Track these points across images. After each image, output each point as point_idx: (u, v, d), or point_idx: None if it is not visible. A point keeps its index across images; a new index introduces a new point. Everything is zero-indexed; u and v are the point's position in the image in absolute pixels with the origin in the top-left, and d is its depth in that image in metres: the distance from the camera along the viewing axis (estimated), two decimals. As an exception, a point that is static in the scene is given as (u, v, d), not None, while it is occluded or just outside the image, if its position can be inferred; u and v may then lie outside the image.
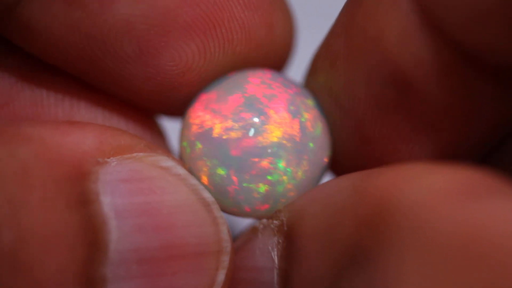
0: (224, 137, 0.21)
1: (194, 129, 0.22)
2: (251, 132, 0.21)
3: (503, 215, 0.15)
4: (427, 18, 0.19)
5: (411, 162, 0.21)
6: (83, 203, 0.18)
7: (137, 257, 0.19)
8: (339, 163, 0.23)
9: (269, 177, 0.21)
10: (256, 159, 0.21)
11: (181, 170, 0.20)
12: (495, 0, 0.18)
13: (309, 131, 0.22)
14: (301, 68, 0.25)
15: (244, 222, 0.27)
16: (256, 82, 0.22)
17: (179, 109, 0.23)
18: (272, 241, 0.21)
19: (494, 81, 0.20)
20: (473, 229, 0.15)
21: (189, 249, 0.19)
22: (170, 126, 0.26)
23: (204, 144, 0.21)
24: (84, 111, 0.23)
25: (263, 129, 0.21)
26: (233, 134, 0.21)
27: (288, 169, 0.21)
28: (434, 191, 0.16)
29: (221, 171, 0.21)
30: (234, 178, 0.21)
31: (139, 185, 0.19)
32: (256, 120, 0.21)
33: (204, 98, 0.22)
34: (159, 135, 0.25)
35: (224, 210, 0.21)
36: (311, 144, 0.22)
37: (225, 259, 0.20)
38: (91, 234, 0.18)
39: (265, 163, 0.21)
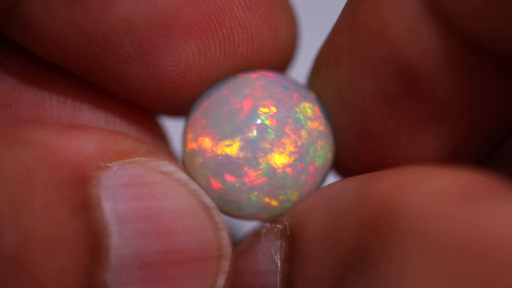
0: (225, 154, 0.21)
1: (195, 138, 0.22)
2: (251, 147, 0.21)
3: (504, 217, 0.15)
4: (434, 8, 0.19)
5: (415, 161, 0.21)
6: (85, 208, 0.18)
7: (138, 262, 0.19)
8: (344, 163, 0.23)
9: (271, 185, 0.21)
10: (257, 167, 0.21)
11: (182, 175, 0.20)
12: None
13: (313, 137, 0.22)
14: (304, 68, 0.25)
15: (246, 227, 0.27)
16: (257, 90, 0.22)
17: (181, 110, 0.23)
18: (275, 245, 0.21)
19: (502, 73, 0.20)
20: (475, 231, 0.15)
21: (190, 254, 0.20)
22: (172, 126, 0.26)
23: (202, 161, 0.21)
24: (86, 113, 0.23)
25: (264, 154, 0.21)
26: (233, 151, 0.21)
27: (288, 177, 0.21)
28: (436, 194, 0.16)
29: (223, 178, 0.21)
30: (236, 186, 0.21)
31: (141, 190, 0.19)
32: (256, 138, 0.21)
33: (204, 107, 0.22)
34: (161, 137, 0.25)
35: (225, 213, 0.22)
36: (311, 152, 0.22)
37: (226, 264, 0.20)
38: (92, 239, 0.18)
39: (266, 171, 0.21)
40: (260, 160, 0.21)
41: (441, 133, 0.21)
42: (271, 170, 0.21)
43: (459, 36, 0.19)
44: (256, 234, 0.22)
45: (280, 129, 0.21)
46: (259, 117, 0.21)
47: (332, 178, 0.23)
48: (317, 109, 0.22)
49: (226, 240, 0.20)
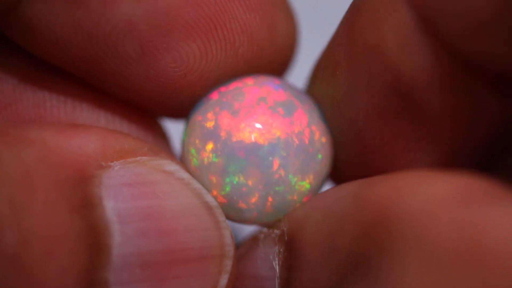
0: (233, 144, 0.21)
1: (202, 135, 0.22)
2: (259, 139, 0.21)
3: (503, 221, 0.15)
4: (427, 26, 0.19)
5: (412, 169, 0.21)
6: (86, 207, 0.18)
7: (140, 261, 0.19)
8: (340, 172, 0.23)
9: (274, 187, 0.21)
10: (263, 168, 0.21)
11: (184, 174, 0.20)
12: (495, 9, 0.18)
13: (317, 142, 0.22)
14: (303, 70, 0.25)
15: (246, 229, 0.27)
16: (266, 90, 0.22)
17: (182, 111, 0.23)
18: (273, 251, 0.21)
19: (495, 89, 0.20)
20: (473, 235, 0.15)
21: (192, 253, 0.19)
22: (173, 128, 0.26)
23: (212, 151, 0.21)
24: (87, 113, 0.23)
25: (272, 137, 0.21)
26: (243, 141, 0.21)
27: (293, 180, 0.21)
28: (434, 199, 0.16)
29: (229, 179, 0.21)
30: (241, 188, 0.21)
31: (142, 189, 0.19)
32: (265, 127, 0.21)
33: (212, 102, 0.22)
34: (162, 137, 0.25)
35: (226, 217, 0.21)
36: (319, 156, 0.22)
37: (228, 263, 0.20)
38: (94, 238, 0.18)
39: (272, 173, 0.21)
40: (264, 167, 0.21)
41: (435, 148, 0.21)
42: (273, 174, 0.21)
43: (452, 54, 0.19)
44: (254, 239, 0.22)
45: (287, 139, 0.21)
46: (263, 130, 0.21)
47: (329, 186, 0.23)
48: (319, 121, 0.22)
49: (228, 240, 0.20)
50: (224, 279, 0.20)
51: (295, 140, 0.21)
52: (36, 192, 0.17)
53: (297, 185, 0.21)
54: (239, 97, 0.22)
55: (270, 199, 0.21)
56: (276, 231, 0.21)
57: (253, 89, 0.22)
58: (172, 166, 0.20)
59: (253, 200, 0.21)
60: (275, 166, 0.21)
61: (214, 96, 0.22)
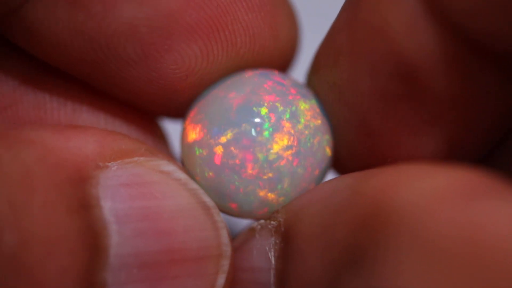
0: (223, 152, 0.21)
1: (191, 139, 0.22)
2: (249, 147, 0.21)
3: (501, 217, 0.15)
4: (432, 6, 0.19)
5: (414, 159, 0.21)
6: (84, 208, 0.18)
7: (137, 262, 0.19)
8: (343, 161, 0.23)
9: (268, 188, 0.21)
10: (253, 173, 0.21)
11: (181, 175, 0.20)
12: None
13: (310, 136, 0.22)
14: (304, 69, 0.25)
15: (243, 223, 0.27)
16: (256, 86, 0.22)
17: (182, 112, 0.23)
18: (269, 242, 0.21)
19: (500, 72, 0.20)
20: (471, 230, 0.15)
21: (189, 253, 0.19)
22: (172, 128, 0.26)
23: (204, 148, 0.21)
24: (86, 115, 0.23)
25: (264, 143, 0.21)
26: (233, 149, 0.21)
27: (288, 189, 0.21)
28: (431, 192, 0.16)
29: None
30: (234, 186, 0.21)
31: (140, 189, 0.19)
32: (254, 132, 0.21)
33: (202, 103, 0.22)
34: (161, 138, 0.25)
35: (222, 210, 0.22)
36: (307, 146, 0.22)
37: (225, 263, 0.20)
38: (92, 239, 0.18)
39: (266, 192, 0.21)
40: (257, 154, 0.21)
41: (439, 133, 0.21)
42: (268, 166, 0.21)
43: (458, 35, 0.19)
44: (250, 230, 0.22)
45: (277, 125, 0.21)
46: (257, 113, 0.21)
47: (331, 176, 0.23)
48: (316, 107, 0.22)
49: (225, 239, 0.20)
50: (221, 279, 0.20)
51: (290, 132, 0.21)
52: (35, 192, 0.18)
53: (292, 177, 0.21)
54: (237, 88, 0.22)
55: (264, 191, 0.21)
56: (273, 223, 0.21)
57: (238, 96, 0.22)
58: (169, 167, 0.20)
59: (247, 191, 0.21)
60: (269, 158, 0.21)
61: (212, 92, 0.22)
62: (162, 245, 0.19)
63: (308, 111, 0.22)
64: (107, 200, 0.19)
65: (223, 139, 0.21)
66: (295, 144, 0.21)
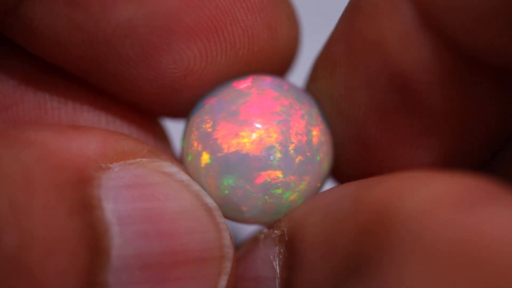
0: (229, 147, 0.21)
1: (200, 138, 0.22)
2: (256, 142, 0.21)
3: (503, 223, 0.15)
4: (428, 20, 0.19)
5: (411, 169, 0.21)
6: (86, 209, 0.18)
7: (139, 263, 0.19)
8: (341, 170, 0.23)
9: (272, 190, 0.21)
10: (260, 171, 0.21)
11: (184, 176, 0.20)
12: (496, 2, 0.18)
13: (315, 143, 0.22)
14: (305, 71, 0.24)
15: (246, 231, 0.27)
16: (263, 91, 0.22)
17: (182, 112, 0.23)
18: (274, 251, 0.21)
19: (495, 84, 0.20)
20: (473, 236, 0.15)
21: (191, 255, 0.19)
22: (173, 127, 0.26)
23: (210, 154, 0.21)
24: (87, 115, 0.23)
25: (269, 140, 0.21)
26: (239, 144, 0.21)
27: (291, 183, 0.21)
28: (434, 199, 0.16)
29: (226, 182, 0.21)
30: (239, 191, 0.21)
31: (142, 191, 0.19)
32: (262, 130, 0.21)
33: (210, 105, 0.22)
34: (163, 138, 0.25)
35: (226, 216, 0.21)
36: (317, 158, 0.22)
37: (227, 265, 0.20)
38: (94, 240, 0.18)
39: (270, 175, 0.21)
40: (261, 170, 0.21)
41: (435, 144, 0.21)
42: (273, 174, 0.21)
43: (453, 49, 0.19)
44: (254, 240, 0.22)
45: (284, 134, 0.21)
46: (262, 123, 0.21)
47: (330, 185, 0.23)
48: (319, 116, 0.22)
49: (228, 241, 0.20)
50: (223, 281, 0.20)
51: (292, 142, 0.21)
52: (36, 193, 0.17)
53: (295, 187, 0.21)
54: (236, 101, 0.22)
55: (268, 201, 0.21)
56: (276, 232, 0.21)
57: (250, 91, 0.22)
58: (171, 168, 0.20)
59: (251, 202, 0.21)
60: (272, 169, 0.21)
61: (213, 98, 0.22)
62: (164, 247, 0.19)
63: (317, 125, 0.22)
64: (109, 201, 0.19)
65: (229, 150, 0.21)
66: (301, 156, 0.21)
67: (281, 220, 0.21)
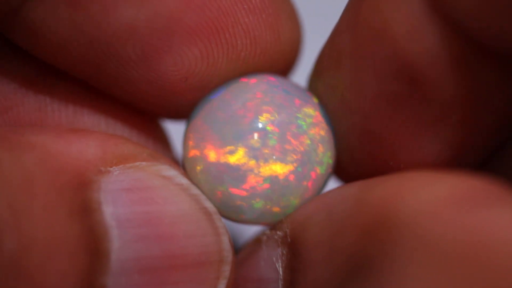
0: (222, 161, 0.21)
1: (195, 145, 0.22)
2: (251, 159, 0.21)
3: (504, 223, 0.15)
4: (436, 6, 0.19)
5: (417, 162, 0.21)
6: (85, 212, 0.18)
7: (138, 267, 0.19)
8: (345, 167, 0.23)
9: (270, 194, 0.21)
10: (258, 176, 0.21)
11: (183, 180, 0.20)
12: None
13: (315, 142, 0.22)
14: (306, 72, 0.24)
15: (247, 233, 0.27)
16: (258, 96, 0.22)
17: (183, 113, 0.23)
18: (276, 253, 0.21)
19: (505, 74, 0.20)
20: (475, 236, 0.15)
21: (190, 258, 0.19)
22: (174, 129, 0.26)
23: (204, 162, 0.21)
24: (88, 117, 0.23)
25: (265, 160, 0.21)
26: (234, 160, 0.21)
27: (290, 185, 0.21)
28: (436, 200, 0.16)
29: (222, 187, 0.21)
30: (235, 195, 0.21)
31: (141, 194, 0.19)
32: (258, 145, 0.21)
33: (205, 112, 0.22)
34: (163, 140, 0.25)
35: (226, 218, 0.21)
36: (317, 158, 0.22)
37: (226, 269, 0.20)
38: (93, 243, 0.18)
39: (267, 180, 0.21)
40: (262, 167, 0.21)
41: (443, 135, 0.21)
42: (273, 177, 0.21)
43: (462, 36, 0.19)
44: (257, 241, 0.22)
45: (282, 135, 0.21)
46: (260, 124, 0.21)
47: (333, 184, 0.23)
48: (318, 114, 0.22)
49: (227, 245, 0.20)
50: (222, 285, 0.20)
51: (292, 142, 0.21)
52: (36, 196, 0.18)
53: (296, 187, 0.21)
54: (239, 97, 0.22)
55: (267, 205, 0.21)
56: (279, 233, 0.21)
57: (253, 94, 0.22)
58: (171, 172, 0.20)
59: (252, 203, 0.21)
60: (273, 168, 0.21)
61: (211, 103, 0.22)
62: (163, 250, 0.19)
63: (313, 122, 0.22)
64: (108, 204, 0.19)
65: (228, 155, 0.21)
66: (300, 157, 0.21)
67: (283, 221, 0.21)
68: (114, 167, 0.19)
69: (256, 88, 0.22)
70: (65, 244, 0.18)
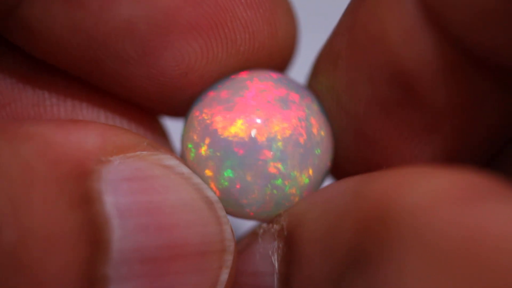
0: (230, 138, 0.21)
1: (200, 129, 0.22)
2: (256, 133, 0.21)
3: (503, 218, 0.15)
4: (431, 16, 0.19)
5: (412, 164, 0.21)
6: (86, 202, 0.18)
7: (139, 257, 0.18)
8: (340, 166, 0.23)
9: (273, 181, 0.21)
10: (261, 162, 0.21)
11: (184, 169, 0.20)
12: None
13: (315, 136, 0.22)
14: (303, 68, 0.25)
15: (246, 224, 0.26)
16: (264, 84, 0.22)
17: (182, 110, 0.23)
18: (272, 246, 0.21)
19: (497, 82, 0.20)
20: (473, 231, 0.15)
21: (192, 248, 0.19)
22: (173, 126, 0.26)
23: (210, 145, 0.21)
24: (86, 112, 0.23)
25: (269, 131, 0.21)
26: (240, 135, 0.21)
27: (292, 174, 0.21)
28: (434, 195, 0.16)
29: (226, 173, 0.21)
30: (238, 182, 0.21)
31: (142, 184, 0.19)
32: (262, 121, 0.21)
33: (209, 97, 0.22)
34: (162, 136, 0.25)
35: (226, 211, 0.21)
36: (317, 151, 0.22)
37: (229, 258, 0.20)
38: (94, 233, 0.18)
39: (270, 167, 0.21)
40: (262, 161, 0.21)
41: (436, 141, 0.21)
42: (269, 170, 0.21)
43: (455, 45, 0.19)
44: (253, 235, 0.22)
45: (284, 133, 0.21)
46: (264, 110, 0.21)
47: (329, 181, 0.23)
48: (319, 111, 0.22)
49: (229, 235, 0.20)
50: (224, 274, 0.20)
51: (293, 134, 0.21)
52: (35, 187, 0.17)
53: (295, 180, 0.21)
54: (236, 92, 0.22)
55: (268, 193, 0.21)
56: (276, 226, 0.21)
57: (250, 84, 0.22)
58: (171, 161, 0.20)
59: (252, 195, 0.21)
60: (273, 161, 0.21)
61: (212, 92, 0.22)
62: (164, 240, 0.19)
63: (316, 119, 0.22)
64: (109, 194, 0.18)
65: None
66: (302, 152, 0.21)
67: (281, 215, 0.21)
68: (114, 156, 0.19)
69: (256, 83, 0.22)
70: (65, 235, 0.17)
